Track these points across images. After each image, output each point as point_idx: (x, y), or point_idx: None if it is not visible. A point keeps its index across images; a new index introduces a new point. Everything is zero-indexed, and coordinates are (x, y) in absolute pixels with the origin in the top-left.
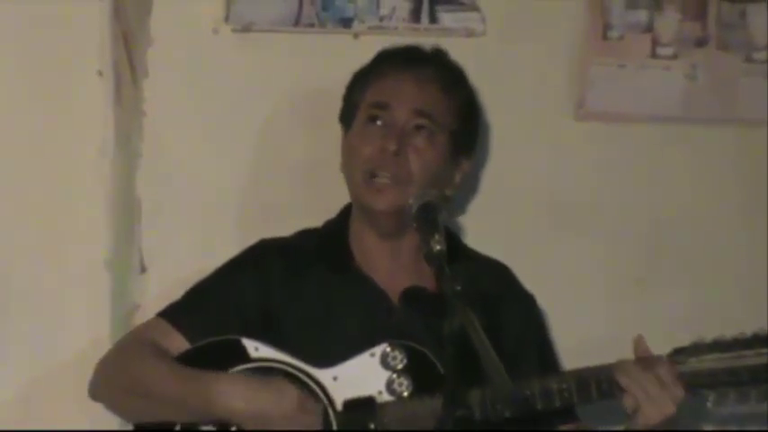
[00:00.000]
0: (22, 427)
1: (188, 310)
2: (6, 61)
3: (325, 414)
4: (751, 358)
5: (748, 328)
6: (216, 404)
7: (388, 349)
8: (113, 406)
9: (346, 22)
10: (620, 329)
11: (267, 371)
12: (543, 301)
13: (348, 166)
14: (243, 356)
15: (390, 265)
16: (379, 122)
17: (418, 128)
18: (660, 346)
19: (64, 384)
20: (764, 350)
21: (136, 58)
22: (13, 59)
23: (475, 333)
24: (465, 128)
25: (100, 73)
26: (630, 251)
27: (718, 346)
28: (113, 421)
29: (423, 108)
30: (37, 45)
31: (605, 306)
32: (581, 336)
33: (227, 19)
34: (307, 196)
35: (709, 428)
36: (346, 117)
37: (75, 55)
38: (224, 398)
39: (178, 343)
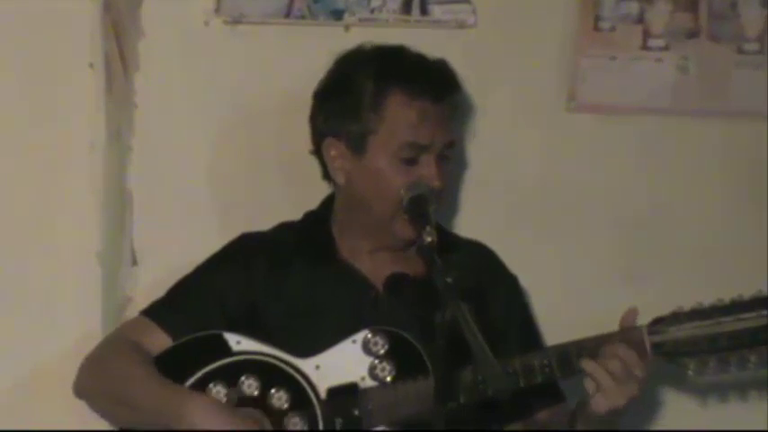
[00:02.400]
0: (12, 421)
1: (171, 308)
2: None
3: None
4: (730, 324)
5: None
6: (185, 422)
7: (370, 335)
8: (93, 407)
9: (337, 15)
10: (609, 321)
11: (251, 368)
12: (533, 292)
13: (375, 195)
14: (225, 350)
15: (374, 254)
16: (417, 162)
17: (446, 157)
18: None
19: (55, 377)
20: (743, 315)
21: (127, 50)
22: (4, 52)
23: (467, 325)
24: None
25: (91, 65)
26: (621, 243)
27: (698, 314)
28: None
29: (452, 140)
30: (28, 37)
31: (595, 298)
32: (570, 327)
33: (217, 11)
34: (298, 189)
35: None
36: (357, 142)
37: (66, 47)
38: (194, 418)
39: (162, 341)
